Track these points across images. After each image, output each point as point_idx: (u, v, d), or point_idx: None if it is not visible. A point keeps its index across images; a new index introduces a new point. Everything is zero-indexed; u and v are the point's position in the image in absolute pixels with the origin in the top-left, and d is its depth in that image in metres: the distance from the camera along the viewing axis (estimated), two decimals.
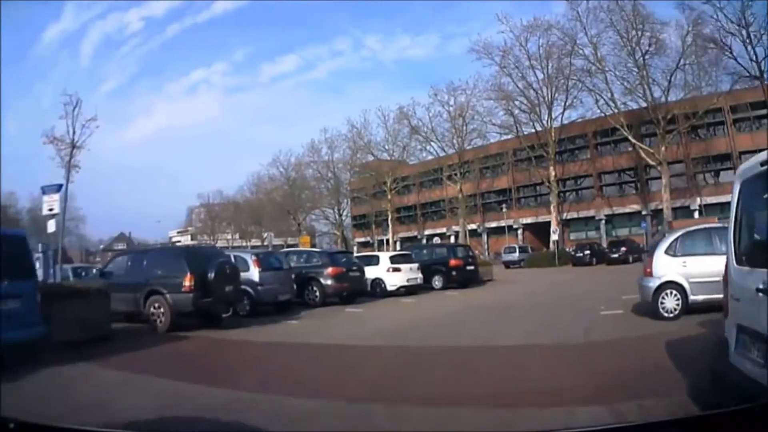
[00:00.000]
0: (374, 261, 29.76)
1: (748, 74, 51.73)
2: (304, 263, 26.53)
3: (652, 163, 56.78)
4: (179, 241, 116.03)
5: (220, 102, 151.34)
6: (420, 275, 29.74)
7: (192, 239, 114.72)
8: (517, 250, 62.34)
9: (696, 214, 57.87)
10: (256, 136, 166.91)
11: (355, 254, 37.29)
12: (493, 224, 78.90)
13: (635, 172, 67.42)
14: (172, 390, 9.55)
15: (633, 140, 57.51)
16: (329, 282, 24.97)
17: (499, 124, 68.42)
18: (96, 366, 11.72)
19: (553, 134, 64.14)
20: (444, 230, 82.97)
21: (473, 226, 78.58)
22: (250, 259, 22.32)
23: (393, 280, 28.63)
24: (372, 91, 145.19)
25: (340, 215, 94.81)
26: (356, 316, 21.70)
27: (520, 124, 67.00)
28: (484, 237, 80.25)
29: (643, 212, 64.73)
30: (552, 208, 64.52)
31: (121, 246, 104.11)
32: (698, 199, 60.42)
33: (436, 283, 32.09)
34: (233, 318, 19.81)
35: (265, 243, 71.14)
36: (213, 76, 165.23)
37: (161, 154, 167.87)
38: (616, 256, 52.02)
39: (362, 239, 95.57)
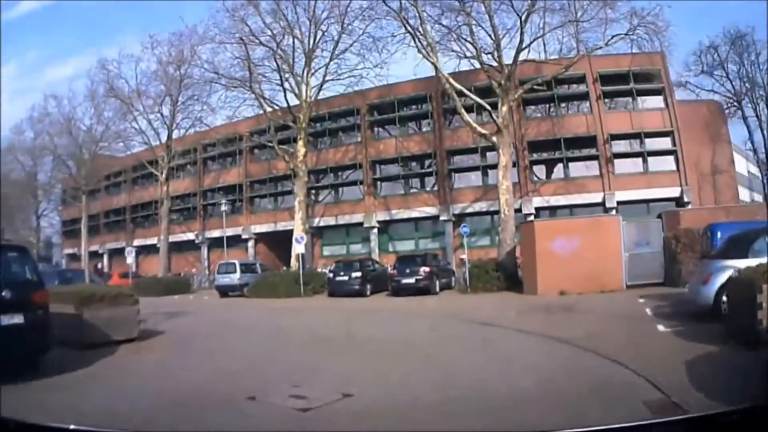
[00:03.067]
0: None
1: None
2: None
3: (483, 140, 31.70)
4: None
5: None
6: None
7: None
8: (238, 268, 35.49)
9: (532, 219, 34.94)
10: None
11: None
12: (216, 233, 51.48)
13: (422, 161, 44.47)
14: None
15: (476, 98, 31.08)
16: None
17: (228, 76, 39.91)
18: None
19: (308, 95, 38.40)
20: (155, 240, 55.18)
21: (191, 236, 53.95)
22: None
23: None
24: None
25: (39, 218, 73.15)
26: None
27: (262, 87, 40.03)
28: (204, 250, 54.20)
29: (443, 217, 41.72)
30: (297, 203, 38.33)
31: None
32: (534, 200, 39.53)
33: None
34: None
35: None
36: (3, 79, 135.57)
37: None
38: (411, 281, 27.49)
39: (71, 251, 69.23)
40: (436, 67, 30.24)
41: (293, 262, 35.20)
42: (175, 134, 49.55)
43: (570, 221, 26.44)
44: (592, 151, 39.24)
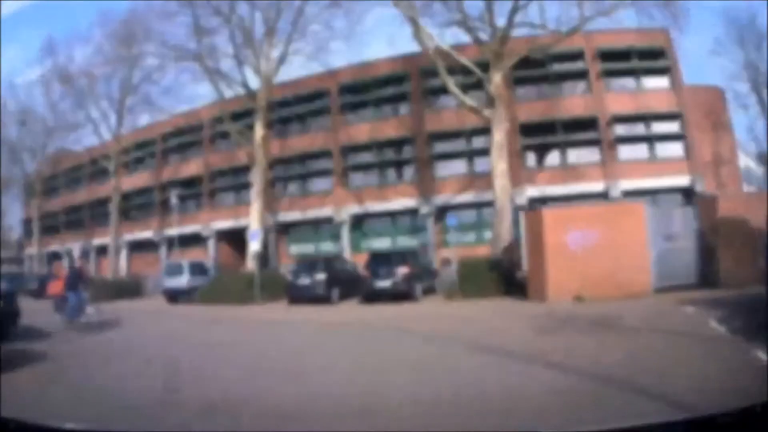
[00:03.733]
0: None
1: None
2: None
3: (470, 121, 28.91)
4: None
5: None
6: None
7: None
8: (186, 269, 30.55)
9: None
10: None
11: None
12: (175, 231, 45.02)
13: (400, 148, 39.08)
14: None
15: (464, 60, 26.25)
16: None
17: (177, 48, 34.93)
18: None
19: (268, 70, 33.27)
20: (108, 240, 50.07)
21: (148, 234, 48.33)
22: None
23: None
24: None
25: None
26: None
27: (219, 63, 34.73)
28: (163, 250, 48.01)
29: (423, 210, 36.28)
30: (253, 193, 33.30)
31: None
32: (527, 190, 34.21)
33: None
34: None
35: None
36: None
37: None
38: (386, 285, 22.57)
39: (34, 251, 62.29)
40: (416, 25, 25.23)
41: (249, 262, 30.18)
42: (129, 122, 45.16)
43: (586, 209, 21.20)
44: (593, 135, 34.33)
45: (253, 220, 31.38)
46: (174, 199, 39.54)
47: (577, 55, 34.55)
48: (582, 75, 35.32)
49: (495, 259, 22.73)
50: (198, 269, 31.23)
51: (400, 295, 22.06)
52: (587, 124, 34.42)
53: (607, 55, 34.50)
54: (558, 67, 35.09)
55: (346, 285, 24.84)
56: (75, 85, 44.82)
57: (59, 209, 58.66)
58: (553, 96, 35.34)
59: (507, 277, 21.56)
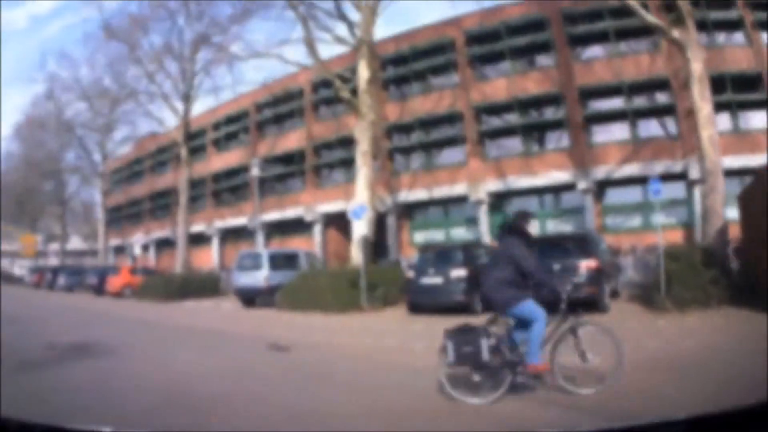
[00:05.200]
0: None
1: None
2: None
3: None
4: None
5: None
6: None
7: None
8: (265, 262, 24.88)
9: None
10: None
11: None
12: (275, 215, 42.36)
13: (543, 107, 33.12)
14: None
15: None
16: None
17: None
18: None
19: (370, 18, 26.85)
20: (203, 227, 48.13)
21: (241, 221, 43.96)
22: None
23: None
24: None
25: (64, 205, 68.50)
26: None
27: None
28: (260, 237, 43.20)
29: (580, 185, 30.12)
30: (359, 156, 26.07)
31: None
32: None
33: None
34: None
35: None
36: None
37: None
38: (563, 287, 13.76)
39: (118, 242, 63.22)
40: None
41: (354, 251, 24.09)
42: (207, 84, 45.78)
43: None
44: (760, 96, 27.44)
45: (360, 192, 24.81)
46: (256, 170, 34.44)
47: (727, 3, 28.46)
48: (737, 24, 28.70)
49: (708, 246, 16.68)
50: (283, 261, 25.92)
51: (583, 302, 15.05)
52: (753, 81, 27.81)
53: (754, 5, 28.11)
54: (712, 16, 28.41)
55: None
56: (125, 38, 41.47)
57: (144, 196, 57.56)
58: (713, 46, 28.50)
59: (725, 274, 15.40)
